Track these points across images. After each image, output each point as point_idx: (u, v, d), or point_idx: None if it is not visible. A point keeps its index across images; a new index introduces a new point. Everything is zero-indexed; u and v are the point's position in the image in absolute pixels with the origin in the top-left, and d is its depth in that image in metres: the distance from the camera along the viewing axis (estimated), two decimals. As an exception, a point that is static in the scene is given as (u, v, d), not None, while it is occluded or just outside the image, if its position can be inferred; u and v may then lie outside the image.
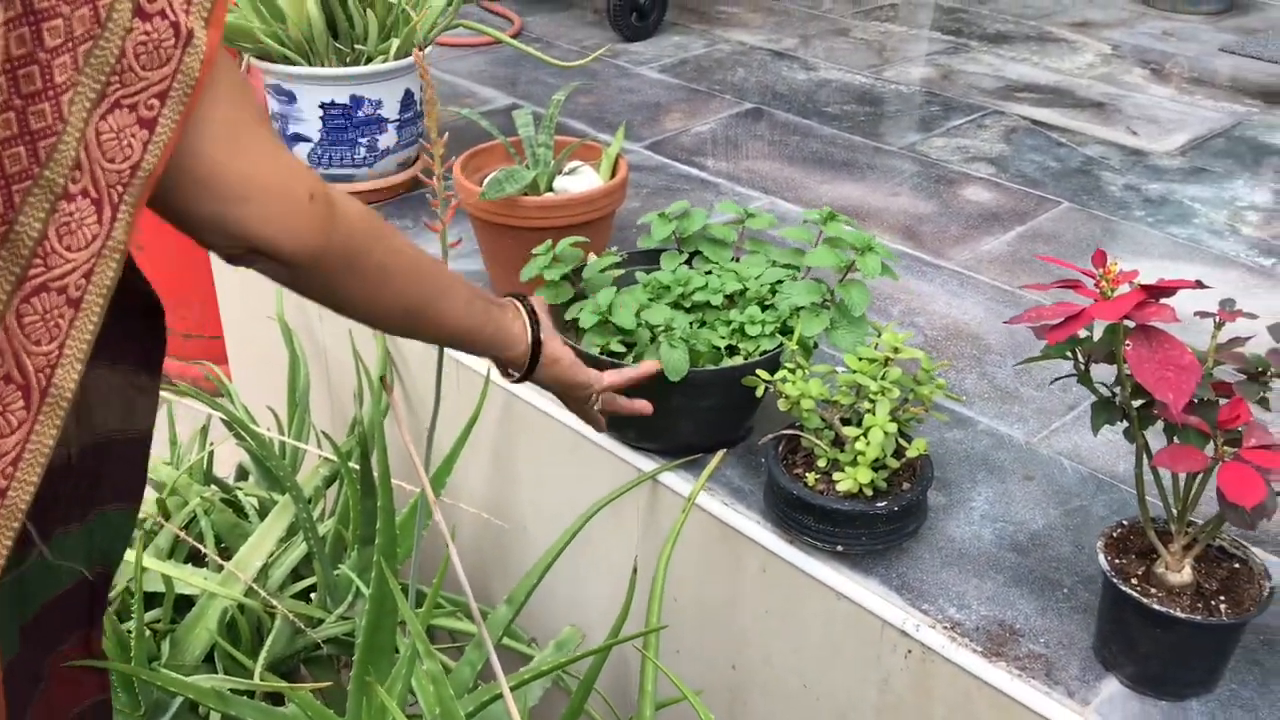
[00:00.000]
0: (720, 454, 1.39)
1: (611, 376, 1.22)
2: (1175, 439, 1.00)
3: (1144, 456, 1.06)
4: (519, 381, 1.13)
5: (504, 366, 1.13)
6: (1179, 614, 1.05)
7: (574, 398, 1.19)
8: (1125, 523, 1.15)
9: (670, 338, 1.28)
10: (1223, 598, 1.08)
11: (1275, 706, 1.09)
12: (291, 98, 1.90)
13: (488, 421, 1.61)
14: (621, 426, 1.40)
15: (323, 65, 1.90)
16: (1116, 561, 1.11)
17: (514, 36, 2.94)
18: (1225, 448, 0.96)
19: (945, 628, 1.18)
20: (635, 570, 1.35)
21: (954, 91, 2.64)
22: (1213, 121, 2.50)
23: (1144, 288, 0.97)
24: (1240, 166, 2.26)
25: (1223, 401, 1.00)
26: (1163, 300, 0.97)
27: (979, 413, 1.51)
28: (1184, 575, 1.08)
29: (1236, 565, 1.11)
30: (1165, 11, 3.30)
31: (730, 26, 3.10)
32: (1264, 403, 1.00)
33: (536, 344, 1.08)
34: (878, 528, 1.23)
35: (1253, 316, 1.03)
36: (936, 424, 1.45)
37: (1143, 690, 1.11)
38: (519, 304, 1.10)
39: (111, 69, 0.61)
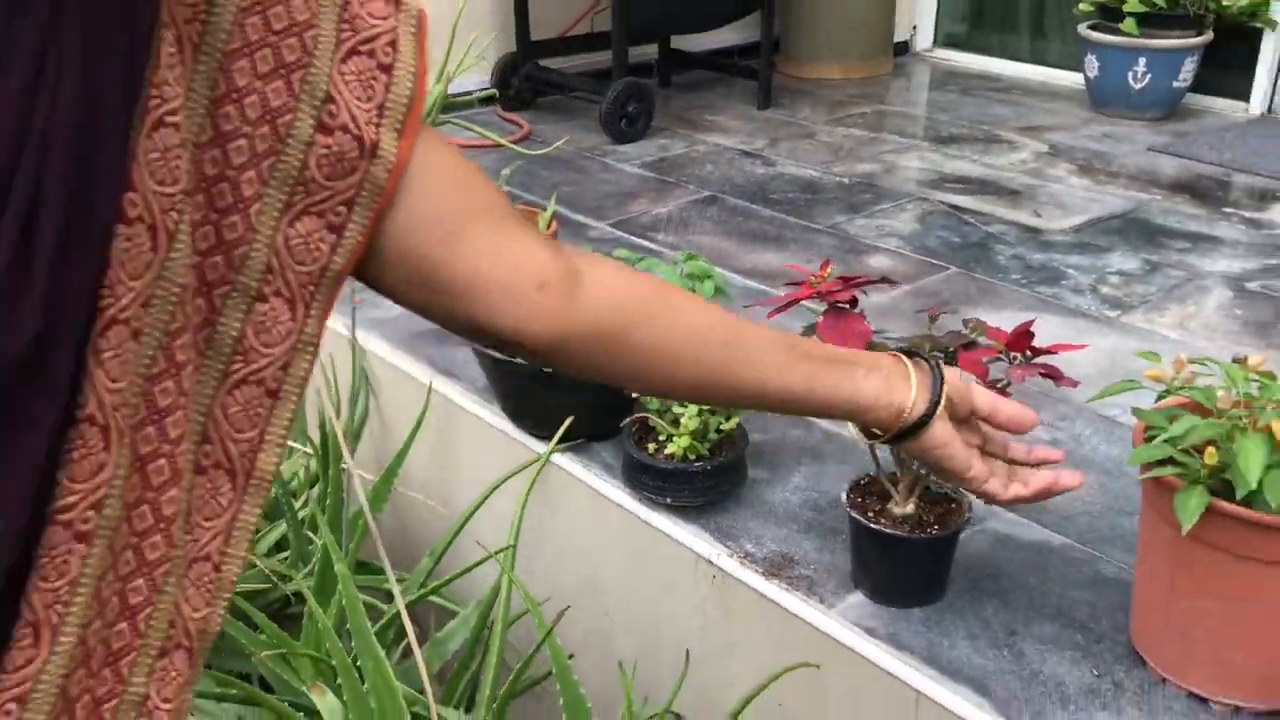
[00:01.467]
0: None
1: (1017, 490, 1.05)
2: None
3: (866, 413, 1.40)
4: (890, 442, 0.98)
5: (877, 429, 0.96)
6: (898, 534, 1.38)
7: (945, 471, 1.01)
8: (870, 474, 1.49)
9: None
10: (936, 526, 1.41)
11: (978, 616, 1.41)
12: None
13: (432, 426, 2.00)
14: (520, 416, 1.78)
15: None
16: (858, 501, 1.44)
17: (521, 139, 3.41)
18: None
19: (740, 558, 1.52)
20: (520, 522, 1.71)
21: (889, 183, 3.03)
22: (1114, 207, 2.84)
23: (841, 278, 1.34)
24: (1123, 242, 2.60)
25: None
26: (853, 290, 1.33)
27: (819, 417, 1.86)
28: (908, 509, 1.41)
29: (952, 504, 1.44)
30: (1112, 117, 3.67)
31: (711, 131, 3.55)
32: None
33: (927, 410, 0.94)
34: (696, 484, 1.58)
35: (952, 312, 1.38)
36: (779, 421, 1.80)
37: (878, 600, 1.44)
38: (906, 359, 0.96)
39: (295, 180, 0.62)
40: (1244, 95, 3.72)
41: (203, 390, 0.63)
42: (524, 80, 3.69)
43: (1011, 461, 1.06)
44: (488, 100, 3.64)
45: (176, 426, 0.60)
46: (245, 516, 0.67)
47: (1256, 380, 1.19)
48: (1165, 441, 1.15)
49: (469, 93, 3.47)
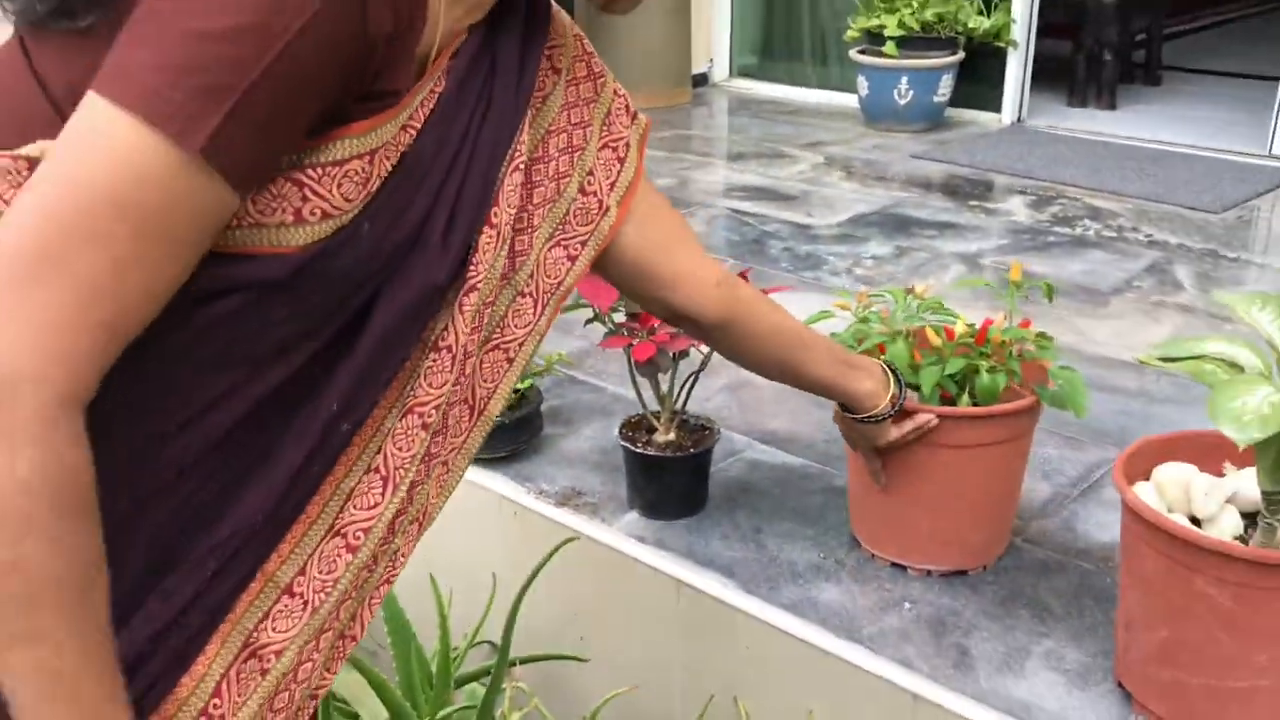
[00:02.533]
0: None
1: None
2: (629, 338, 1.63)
3: (629, 360, 1.69)
4: (864, 421, 1.38)
5: (853, 412, 1.38)
6: (661, 455, 1.67)
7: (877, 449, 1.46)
8: (639, 414, 1.77)
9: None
10: (692, 448, 1.70)
11: (731, 521, 1.70)
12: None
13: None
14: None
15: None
16: (629, 435, 1.72)
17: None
18: (644, 334, 1.59)
19: (536, 494, 1.78)
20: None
21: (683, 194, 3.37)
22: (876, 204, 3.23)
23: (597, 246, 1.62)
24: (879, 233, 2.98)
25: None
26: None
27: (599, 378, 2.14)
28: (670, 436, 1.70)
29: (705, 431, 1.73)
30: (883, 131, 4.10)
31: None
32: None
33: (893, 406, 1.36)
34: (498, 437, 1.84)
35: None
36: (575, 387, 2.08)
37: (649, 515, 1.72)
38: (885, 370, 1.37)
39: (560, 221, 0.94)
40: (996, 107, 4.21)
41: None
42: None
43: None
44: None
45: (470, 367, 0.88)
46: (473, 442, 0.94)
47: (919, 301, 1.53)
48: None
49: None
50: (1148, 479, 1.35)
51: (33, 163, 0.67)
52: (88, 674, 0.65)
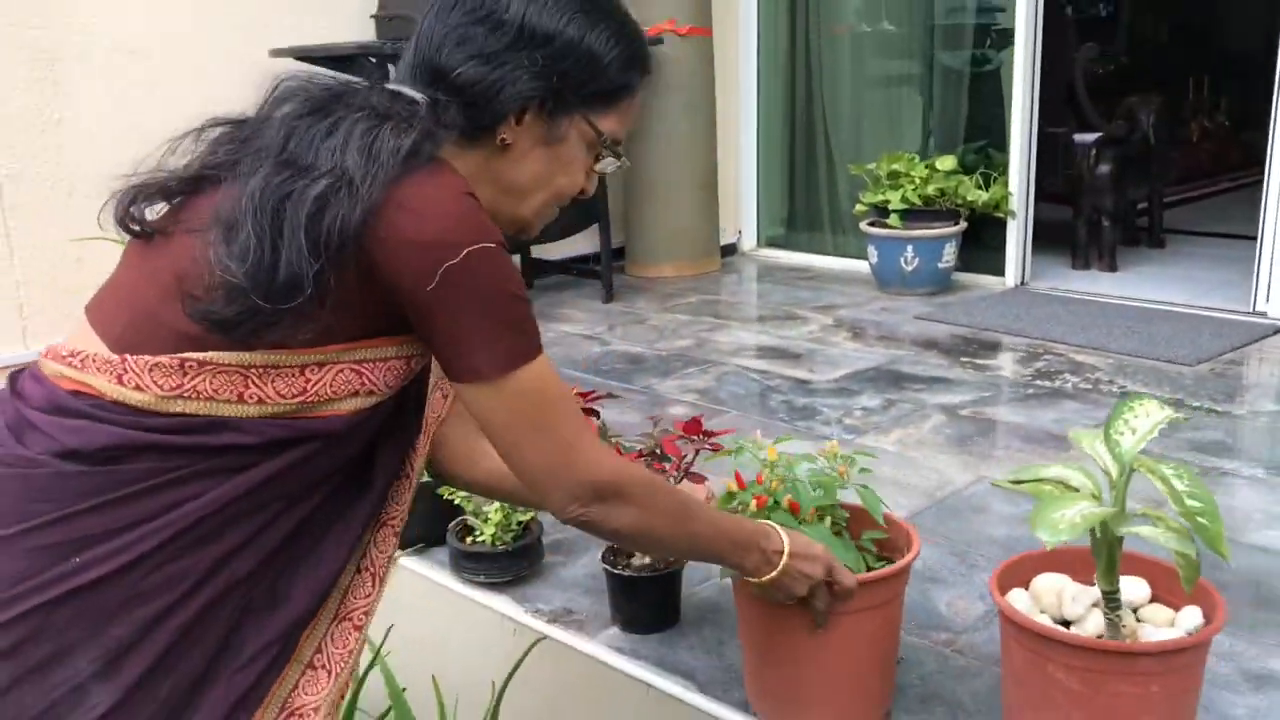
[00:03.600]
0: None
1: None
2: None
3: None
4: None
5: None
6: (635, 575, 1.94)
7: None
8: (621, 540, 2.05)
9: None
10: (664, 569, 1.97)
11: (698, 635, 1.95)
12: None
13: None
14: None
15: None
16: (610, 558, 2.00)
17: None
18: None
19: (533, 613, 2.06)
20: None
21: (699, 354, 3.70)
22: (874, 361, 3.53)
23: (581, 394, 1.94)
24: (872, 387, 3.27)
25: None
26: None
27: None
28: (645, 560, 1.98)
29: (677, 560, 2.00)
30: (892, 295, 4.42)
31: (562, 321, 4.22)
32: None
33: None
34: (502, 563, 2.13)
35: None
36: (573, 524, 2.36)
37: (628, 630, 1.98)
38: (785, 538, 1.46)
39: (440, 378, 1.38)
40: (1000, 271, 4.52)
41: None
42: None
43: None
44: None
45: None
46: (424, 445, 1.34)
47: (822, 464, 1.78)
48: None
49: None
50: (1027, 588, 1.60)
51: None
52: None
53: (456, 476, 1.47)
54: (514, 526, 2.17)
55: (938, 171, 4.40)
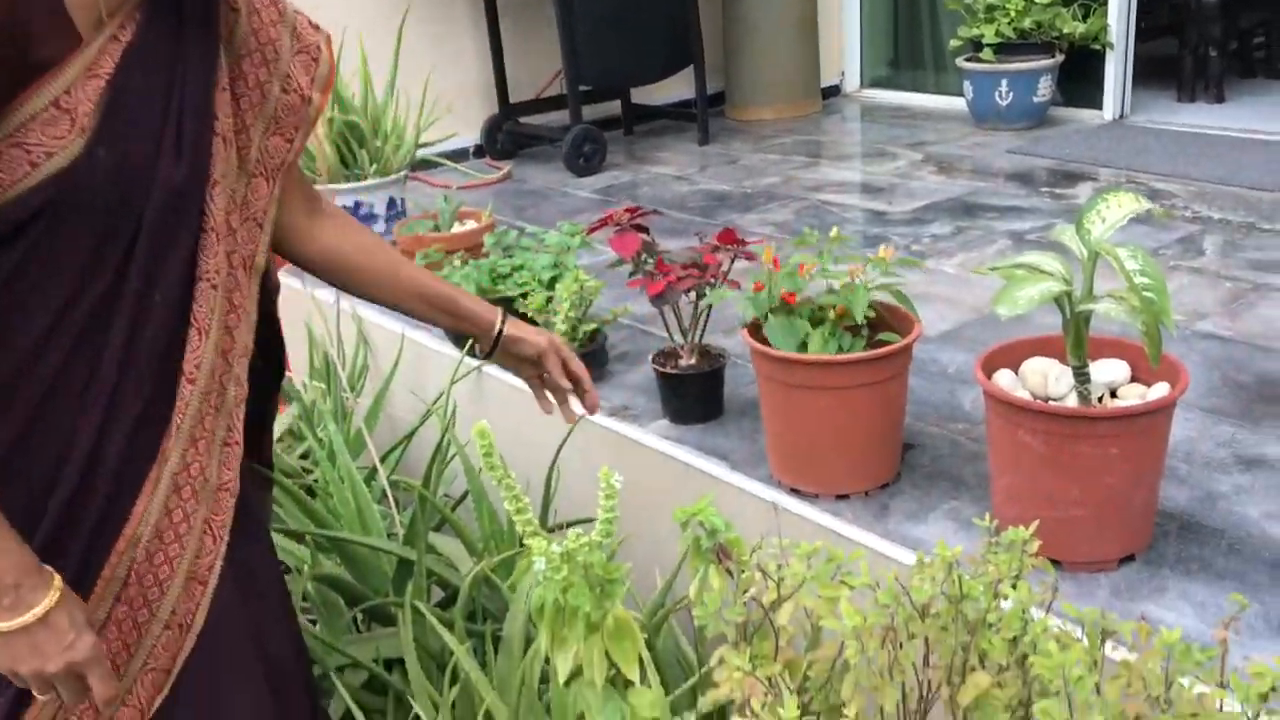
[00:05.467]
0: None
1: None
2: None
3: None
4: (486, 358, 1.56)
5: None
6: (680, 373, 2.17)
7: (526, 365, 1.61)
8: (669, 345, 2.27)
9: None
10: (707, 369, 2.19)
11: (738, 426, 2.17)
12: (320, 203, 3.24)
13: (409, 363, 2.81)
14: (459, 342, 2.59)
15: (337, 183, 3.23)
16: (660, 360, 2.23)
17: (503, 179, 4.28)
18: (658, 275, 2.10)
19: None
20: (450, 402, 2.51)
21: (783, 190, 3.83)
22: (953, 193, 3.61)
23: (628, 209, 2.14)
24: (946, 216, 3.37)
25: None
26: (635, 226, 2.13)
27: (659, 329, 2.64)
28: (691, 360, 2.20)
29: (720, 358, 2.22)
30: (988, 130, 4.44)
31: (656, 164, 4.38)
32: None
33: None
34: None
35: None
36: (641, 337, 2.59)
37: (675, 421, 2.21)
38: (501, 316, 1.54)
39: (271, 118, 1.21)
40: (1099, 105, 4.47)
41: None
42: (506, 135, 4.57)
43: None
44: (479, 152, 4.55)
45: (239, 238, 1.19)
46: (254, 287, 1.22)
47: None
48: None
49: (465, 148, 4.40)
50: (1016, 371, 1.76)
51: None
52: None
53: (295, 254, 1.40)
54: (580, 336, 2.41)
55: (1035, 3, 4.34)
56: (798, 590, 1.06)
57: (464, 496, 2.35)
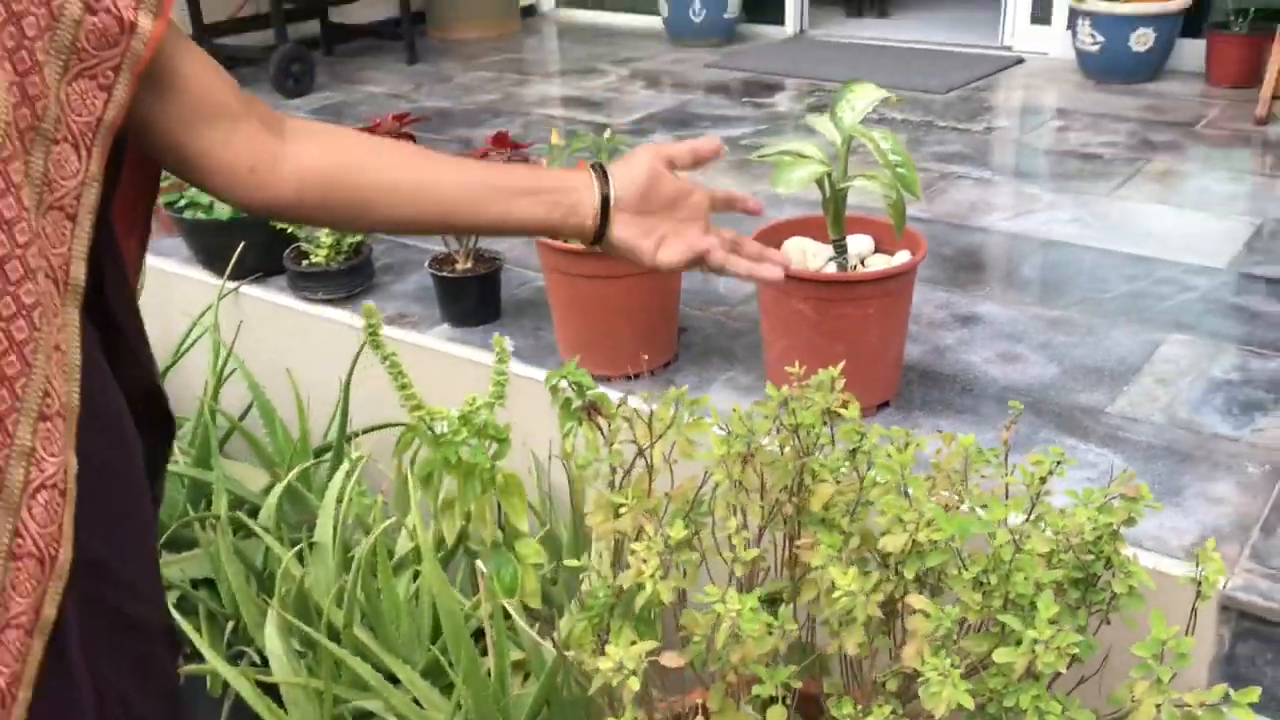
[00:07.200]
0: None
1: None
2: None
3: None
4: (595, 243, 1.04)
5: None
6: (457, 276, 2.24)
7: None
8: (445, 251, 2.34)
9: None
10: (483, 272, 2.27)
11: (518, 325, 2.28)
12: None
13: (160, 299, 2.71)
14: (211, 263, 2.53)
15: None
16: (437, 265, 2.29)
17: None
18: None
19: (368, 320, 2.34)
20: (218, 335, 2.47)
21: (506, 106, 3.92)
22: (665, 105, 3.83)
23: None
24: (663, 127, 3.58)
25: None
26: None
27: (425, 242, 2.70)
28: (467, 265, 2.28)
29: (495, 261, 2.31)
30: (684, 47, 4.69)
31: (367, 84, 4.34)
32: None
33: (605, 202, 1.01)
34: (337, 280, 2.40)
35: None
36: (404, 249, 2.63)
37: (454, 324, 2.29)
38: (594, 173, 1.02)
39: (69, 49, 0.77)
40: (781, 21, 4.83)
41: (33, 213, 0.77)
42: (202, 58, 4.35)
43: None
44: (172, 77, 4.31)
45: (22, 234, 0.75)
46: (70, 314, 0.81)
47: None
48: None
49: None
50: (778, 248, 1.97)
51: None
52: None
53: (258, 204, 0.94)
54: (345, 249, 2.43)
55: (721, -76, 4.61)
56: (666, 430, 1.21)
57: (246, 412, 2.34)
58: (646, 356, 1.99)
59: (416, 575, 1.76)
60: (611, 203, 1.00)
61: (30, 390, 0.77)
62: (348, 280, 2.42)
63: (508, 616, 1.40)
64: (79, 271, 0.81)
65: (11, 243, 0.75)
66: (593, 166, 1.02)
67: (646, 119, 3.68)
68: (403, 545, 1.87)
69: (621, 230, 1.02)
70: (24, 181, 0.76)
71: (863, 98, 1.81)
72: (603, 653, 1.25)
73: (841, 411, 1.24)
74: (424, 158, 0.98)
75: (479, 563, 1.36)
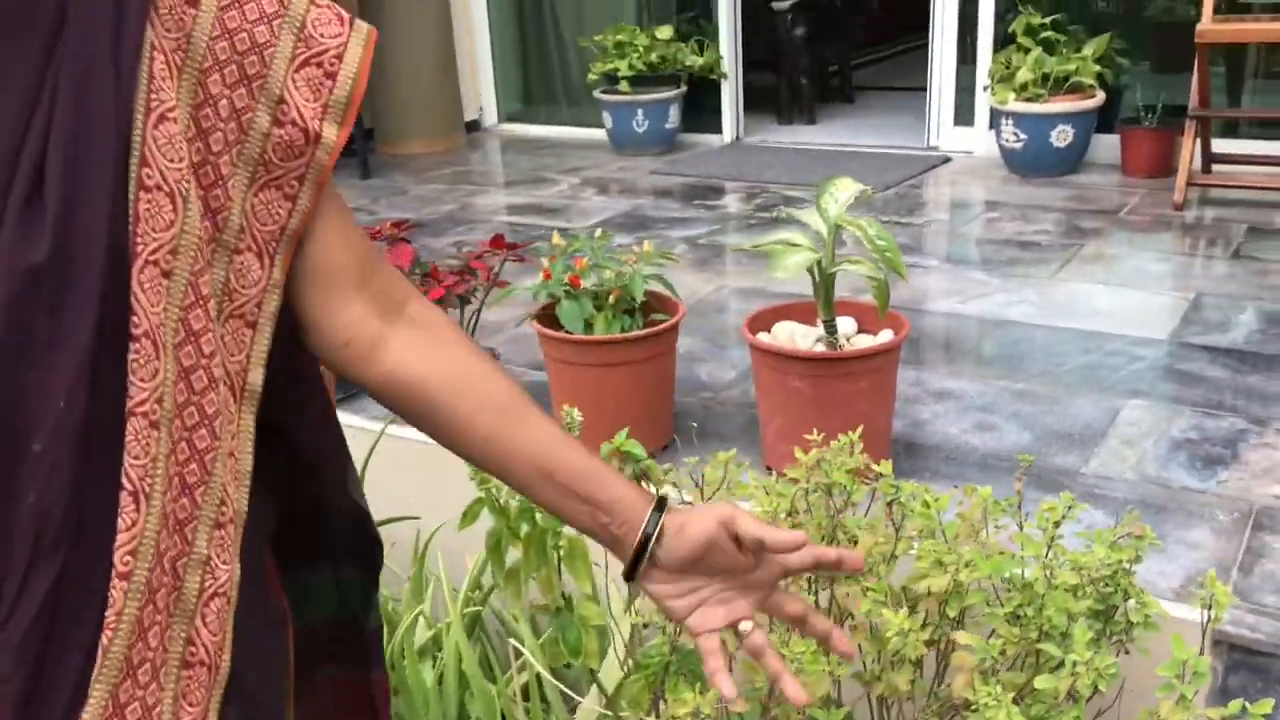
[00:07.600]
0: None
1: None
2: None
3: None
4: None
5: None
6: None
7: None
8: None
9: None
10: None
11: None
12: None
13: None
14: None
15: None
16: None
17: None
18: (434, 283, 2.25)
19: (369, 418, 2.41)
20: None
21: (465, 215, 4.05)
22: (620, 209, 4.00)
23: (394, 224, 2.29)
24: (623, 230, 3.74)
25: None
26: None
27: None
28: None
29: (494, 355, 2.40)
30: (627, 156, 4.89)
31: (324, 199, 4.44)
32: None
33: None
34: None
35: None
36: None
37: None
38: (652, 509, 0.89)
39: (257, 161, 0.79)
40: (718, 130, 5.07)
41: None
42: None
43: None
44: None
45: (209, 345, 0.77)
46: (246, 421, 0.81)
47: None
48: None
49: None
50: (769, 332, 2.10)
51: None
52: None
53: (352, 374, 0.89)
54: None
55: (658, 40, 4.86)
56: (716, 492, 1.31)
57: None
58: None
59: (435, 660, 1.82)
60: (645, 556, 0.88)
61: (209, 498, 0.78)
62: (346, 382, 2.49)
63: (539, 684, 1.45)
64: (256, 378, 0.82)
65: (199, 354, 0.76)
66: (657, 501, 0.89)
67: (605, 223, 3.83)
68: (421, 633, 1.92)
69: (653, 584, 0.91)
70: (211, 294, 0.77)
71: (844, 190, 1.97)
72: (656, 712, 1.33)
73: (875, 467, 1.35)
74: (510, 411, 0.89)
75: (512, 641, 1.42)
